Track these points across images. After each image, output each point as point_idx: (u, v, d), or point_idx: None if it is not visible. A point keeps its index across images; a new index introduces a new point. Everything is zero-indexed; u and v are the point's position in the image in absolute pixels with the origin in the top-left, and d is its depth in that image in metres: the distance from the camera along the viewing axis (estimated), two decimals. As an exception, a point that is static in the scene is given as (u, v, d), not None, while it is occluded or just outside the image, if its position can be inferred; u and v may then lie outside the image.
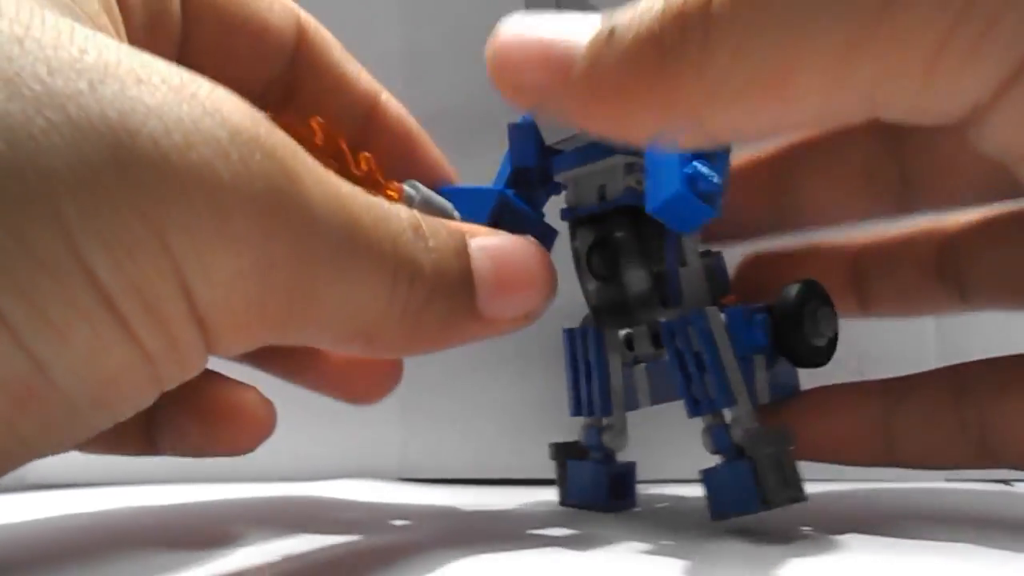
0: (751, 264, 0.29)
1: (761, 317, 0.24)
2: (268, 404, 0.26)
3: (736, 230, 0.28)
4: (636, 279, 0.25)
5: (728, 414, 0.24)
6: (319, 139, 0.21)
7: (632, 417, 0.27)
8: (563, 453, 0.28)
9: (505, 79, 0.20)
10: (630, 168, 0.24)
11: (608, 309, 0.25)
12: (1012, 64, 0.16)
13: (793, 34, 0.17)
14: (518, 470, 0.33)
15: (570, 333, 0.27)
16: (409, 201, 0.23)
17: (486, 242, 0.21)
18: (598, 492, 0.27)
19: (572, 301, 0.26)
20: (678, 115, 0.18)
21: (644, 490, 0.29)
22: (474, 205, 0.24)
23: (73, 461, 0.33)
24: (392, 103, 0.28)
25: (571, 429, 0.32)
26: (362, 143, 0.25)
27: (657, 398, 0.28)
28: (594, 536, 0.23)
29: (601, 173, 0.25)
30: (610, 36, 0.18)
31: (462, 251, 0.21)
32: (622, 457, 0.27)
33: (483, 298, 0.21)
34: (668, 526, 0.24)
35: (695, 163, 0.21)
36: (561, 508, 0.28)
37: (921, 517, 0.25)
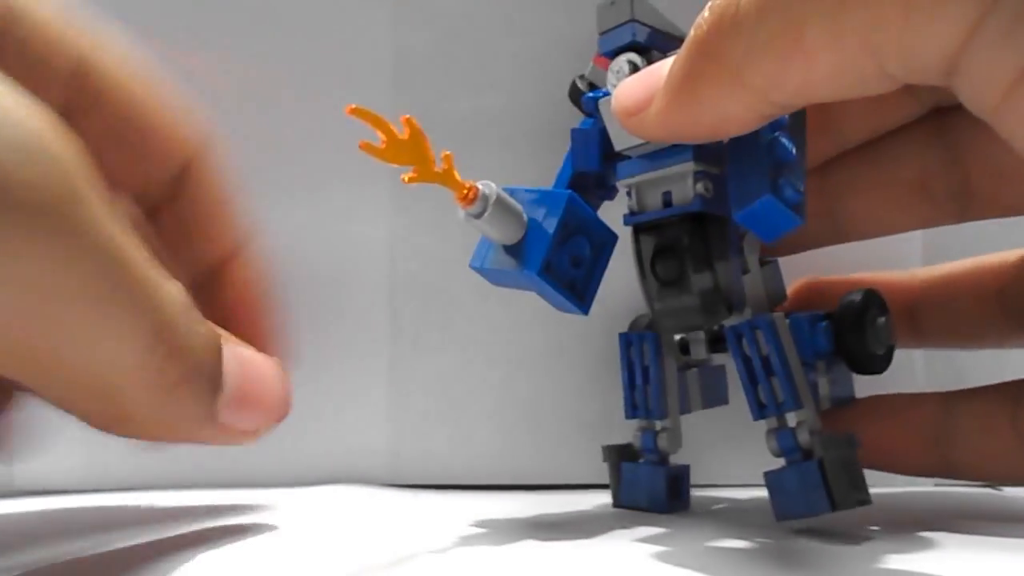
0: (804, 289, 0.30)
1: (824, 324, 0.25)
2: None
3: (790, 241, 0.28)
4: (701, 285, 0.25)
5: (792, 418, 0.24)
6: (406, 134, 0.22)
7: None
8: (616, 455, 0.29)
9: (619, 111, 0.23)
10: (698, 176, 0.25)
11: (670, 314, 0.26)
12: (976, 9, 0.18)
13: None
14: (509, 475, 0.33)
15: (627, 337, 0.28)
16: (485, 200, 0.23)
17: (240, 351, 0.22)
18: (655, 494, 0.28)
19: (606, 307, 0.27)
20: (728, 79, 0.20)
21: (694, 494, 0.29)
22: (544, 207, 0.25)
23: (61, 467, 0.33)
24: (253, 264, 0.28)
25: (564, 433, 0.32)
26: (209, 293, 0.26)
27: (708, 402, 0.29)
28: (651, 536, 0.24)
29: (667, 179, 0.25)
30: (679, 52, 0.22)
31: (217, 352, 0.22)
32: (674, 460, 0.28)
33: (223, 404, 0.22)
34: (730, 527, 0.25)
35: (780, 176, 0.23)
36: (581, 514, 0.28)
37: (976, 518, 0.26)
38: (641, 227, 0.26)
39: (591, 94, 0.27)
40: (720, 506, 0.29)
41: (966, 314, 0.29)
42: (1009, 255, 0.28)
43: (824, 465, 0.23)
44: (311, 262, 0.33)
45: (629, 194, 0.26)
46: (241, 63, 0.33)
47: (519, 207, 0.24)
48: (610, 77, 0.26)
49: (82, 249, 0.17)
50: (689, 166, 0.25)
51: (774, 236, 0.24)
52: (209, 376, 0.21)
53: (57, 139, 0.17)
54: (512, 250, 0.25)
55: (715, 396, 0.30)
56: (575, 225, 0.25)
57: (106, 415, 0.20)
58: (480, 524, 0.27)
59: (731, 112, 0.21)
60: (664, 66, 0.22)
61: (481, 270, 0.26)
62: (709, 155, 0.25)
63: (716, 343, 0.28)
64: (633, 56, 0.26)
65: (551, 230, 0.24)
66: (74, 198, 0.17)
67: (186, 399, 0.21)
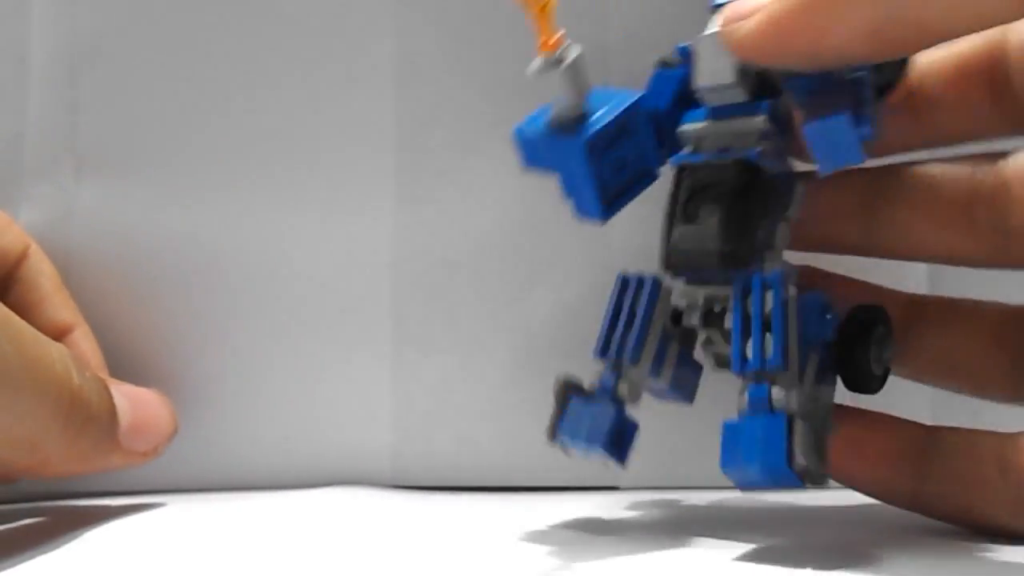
0: (805, 276, 0.28)
1: (831, 316, 0.24)
2: None
3: (821, 239, 0.28)
4: (728, 227, 0.24)
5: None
6: None
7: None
8: (568, 388, 0.26)
9: (727, 17, 0.23)
10: (765, 134, 0.24)
11: (685, 246, 0.25)
12: None
13: None
14: (514, 478, 0.33)
15: (624, 279, 0.26)
16: (565, 52, 0.23)
17: (123, 388, 0.28)
18: (596, 433, 0.25)
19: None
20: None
21: (664, 496, 0.29)
22: (612, 99, 0.24)
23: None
24: (85, 342, 0.32)
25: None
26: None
27: (674, 387, 0.27)
28: (604, 547, 0.23)
29: (732, 135, 0.25)
30: None
31: (107, 392, 0.26)
32: None
33: (124, 432, 0.27)
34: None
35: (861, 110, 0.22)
36: (578, 517, 0.28)
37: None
38: (682, 170, 0.25)
39: (683, 45, 0.26)
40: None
41: (957, 346, 0.27)
42: (1013, 304, 0.27)
43: (792, 423, 0.21)
44: (314, 262, 0.33)
45: (686, 142, 0.25)
46: (244, 63, 0.33)
47: (588, 85, 0.23)
48: (712, 22, 0.24)
49: None
50: (760, 120, 0.24)
51: (833, 164, 0.22)
52: (107, 412, 0.26)
53: None
54: (564, 124, 0.24)
55: (683, 388, 0.27)
56: (632, 128, 0.24)
57: (30, 463, 0.25)
58: (484, 527, 0.27)
59: (847, 25, 0.21)
60: None
61: (521, 137, 0.25)
62: (781, 120, 0.24)
63: (710, 317, 0.26)
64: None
65: (612, 115, 0.24)
66: None
67: (93, 436, 0.26)
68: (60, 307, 0.32)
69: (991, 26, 0.21)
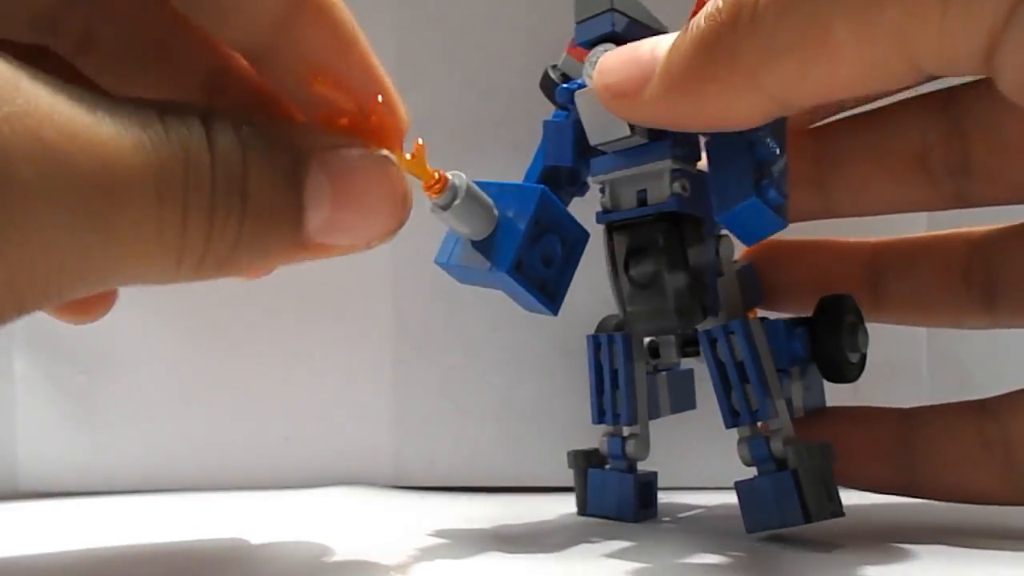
0: (766, 250, 0.29)
1: (801, 330, 0.25)
2: None
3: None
4: (676, 287, 0.24)
5: (765, 426, 0.24)
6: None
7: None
8: (583, 461, 0.28)
9: (607, 92, 0.22)
10: (675, 174, 0.24)
11: (643, 316, 0.25)
12: None
13: None
14: (514, 478, 0.33)
15: (595, 339, 0.27)
16: (454, 191, 0.22)
17: (330, 161, 0.19)
18: (624, 502, 0.27)
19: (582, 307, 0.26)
20: (740, 81, 0.20)
21: (662, 498, 0.28)
22: (515, 202, 0.23)
23: (65, 470, 0.33)
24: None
25: (568, 435, 0.31)
26: (283, 30, 0.20)
27: (676, 407, 0.28)
28: (623, 548, 0.23)
29: (643, 177, 0.24)
30: (684, 32, 0.20)
31: (291, 172, 0.18)
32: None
33: (315, 227, 0.19)
34: (700, 538, 0.24)
35: (763, 178, 0.22)
36: (577, 518, 0.28)
37: (946, 530, 0.25)
38: (615, 225, 0.25)
39: (565, 85, 0.26)
40: (688, 513, 0.29)
41: (928, 285, 0.27)
42: (976, 230, 0.27)
43: (799, 476, 0.22)
44: (316, 264, 0.33)
45: (603, 191, 0.25)
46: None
47: (489, 201, 0.23)
48: (587, 68, 0.24)
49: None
50: (666, 164, 0.24)
51: (756, 239, 0.23)
52: (290, 208, 0.18)
53: None
54: (480, 246, 0.24)
55: (683, 401, 0.29)
56: (547, 222, 0.24)
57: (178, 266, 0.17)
58: (484, 527, 0.27)
59: (738, 110, 0.20)
60: (657, 46, 0.21)
61: (447, 266, 0.25)
62: (687, 153, 0.24)
63: (688, 346, 0.27)
64: (611, 47, 0.24)
65: (522, 227, 0.23)
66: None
67: (259, 243, 0.18)
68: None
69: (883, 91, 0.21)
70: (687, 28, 0.20)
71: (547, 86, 0.26)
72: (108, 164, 0.16)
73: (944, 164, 0.26)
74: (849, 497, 0.23)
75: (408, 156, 0.21)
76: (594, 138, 0.24)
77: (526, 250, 0.23)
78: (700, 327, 0.25)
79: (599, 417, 0.27)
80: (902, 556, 0.22)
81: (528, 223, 0.23)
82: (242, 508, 0.30)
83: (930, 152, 0.26)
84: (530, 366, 0.33)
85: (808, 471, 0.22)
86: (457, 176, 0.22)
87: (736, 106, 0.20)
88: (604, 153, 0.25)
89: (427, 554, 0.23)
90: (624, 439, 0.27)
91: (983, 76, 0.19)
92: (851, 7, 0.18)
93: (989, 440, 0.24)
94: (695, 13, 0.22)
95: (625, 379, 0.26)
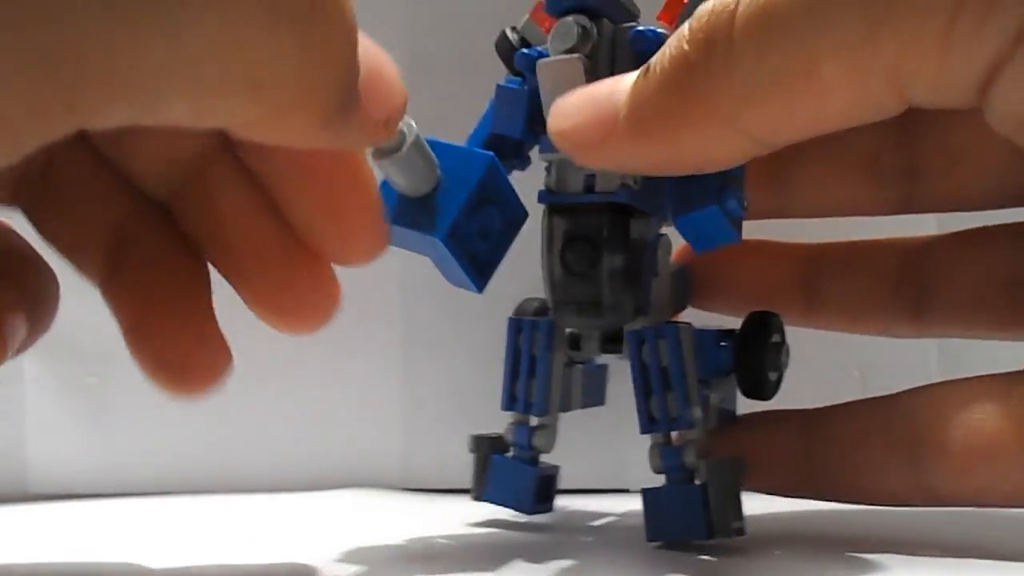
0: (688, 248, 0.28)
1: (727, 343, 0.24)
2: None
3: None
4: (613, 281, 0.23)
5: (680, 435, 0.23)
6: None
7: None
8: (487, 447, 0.27)
9: (565, 141, 0.20)
10: None
11: (573, 307, 0.24)
12: (1014, 30, 0.17)
13: (814, 25, 0.17)
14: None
15: (517, 323, 0.26)
16: (402, 137, 0.20)
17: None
18: (522, 494, 0.26)
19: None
20: (718, 125, 0.19)
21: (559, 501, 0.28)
22: (461, 165, 0.22)
23: (75, 472, 0.33)
24: None
25: (576, 436, 0.31)
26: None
27: (587, 402, 0.27)
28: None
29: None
30: (646, 73, 0.19)
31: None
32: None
33: (363, 82, 0.17)
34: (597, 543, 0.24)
35: (726, 188, 0.21)
36: (586, 523, 0.27)
37: (844, 534, 0.25)
38: (557, 208, 0.24)
39: (526, 51, 0.24)
40: (586, 516, 0.28)
41: (860, 291, 0.27)
42: (912, 237, 0.27)
43: (707, 491, 0.22)
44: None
45: (548, 170, 0.24)
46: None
47: (434, 158, 0.21)
48: (553, 39, 0.23)
49: None
50: None
51: (707, 247, 0.23)
52: (351, 42, 0.16)
53: None
54: (417, 206, 0.22)
55: (594, 396, 0.28)
56: (490, 193, 0.22)
57: (259, 112, 0.16)
58: (493, 529, 0.27)
59: (716, 154, 0.20)
60: (615, 88, 0.20)
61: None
62: None
63: (610, 343, 0.26)
64: (583, 19, 0.22)
65: (465, 193, 0.21)
66: None
67: (335, 73, 0.16)
68: None
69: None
70: (647, 69, 0.19)
71: (505, 49, 0.25)
72: None
73: (893, 168, 0.26)
74: (755, 503, 0.23)
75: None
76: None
77: (465, 218, 0.21)
78: (627, 326, 0.24)
79: (509, 404, 0.26)
80: (799, 561, 0.21)
81: (472, 190, 0.21)
82: (251, 510, 0.30)
83: (881, 155, 0.26)
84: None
85: (717, 487, 0.22)
86: (407, 123, 0.20)
87: (714, 150, 0.19)
88: None
89: (437, 557, 0.23)
90: (532, 429, 0.26)
91: (971, 107, 0.18)
92: (842, 45, 0.17)
93: (894, 440, 0.23)
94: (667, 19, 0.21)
95: (543, 368, 0.25)
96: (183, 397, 0.20)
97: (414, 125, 0.20)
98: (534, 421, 0.26)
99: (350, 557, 0.23)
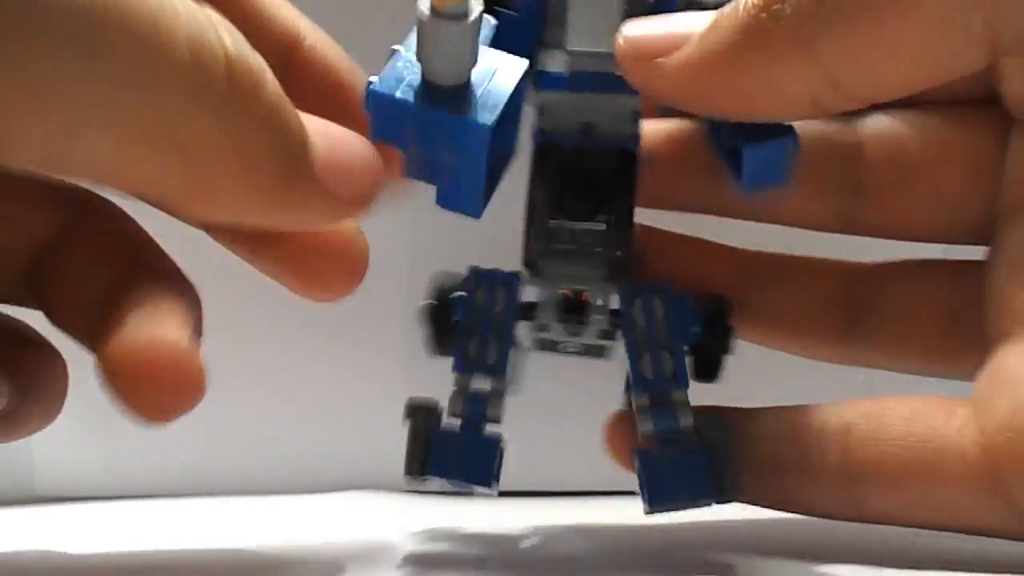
0: (642, 236, 0.27)
1: (696, 314, 0.23)
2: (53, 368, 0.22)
3: (671, 199, 0.26)
4: (615, 230, 0.22)
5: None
6: None
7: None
8: (426, 415, 0.23)
9: (631, 47, 0.20)
10: (635, 115, 0.22)
11: (564, 257, 0.22)
12: None
13: None
14: (527, 482, 0.33)
15: (479, 276, 0.23)
16: (468, 4, 0.18)
17: (313, 117, 0.19)
18: (483, 467, 0.22)
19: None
20: (795, 49, 0.18)
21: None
22: (496, 62, 0.19)
23: (80, 474, 0.33)
24: (318, 48, 0.23)
25: (584, 437, 0.31)
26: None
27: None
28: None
29: (595, 109, 0.22)
30: (732, 7, 0.19)
31: (293, 108, 0.18)
32: None
33: (319, 162, 0.18)
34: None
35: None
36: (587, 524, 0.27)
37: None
38: (551, 150, 0.22)
39: None
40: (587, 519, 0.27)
41: (790, 309, 0.26)
42: (851, 261, 0.26)
43: (712, 450, 0.21)
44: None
45: (541, 111, 0.22)
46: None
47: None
48: None
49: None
50: (636, 101, 0.22)
51: (758, 185, 0.21)
52: (297, 127, 0.18)
53: None
54: (447, 93, 0.19)
55: (515, 379, 0.25)
56: (512, 106, 0.19)
57: (188, 177, 0.16)
58: (499, 532, 0.26)
59: (781, 89, 0.19)
60: (702, 16, 0.19)
61: (392, 100, 0.19)
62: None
63: (570, 312, 0.23)
64: None
65: (508, 89, 0.19)
66: None
67: (272, 142, 0.17)
68: (275, 14, 0.22)
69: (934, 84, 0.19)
70: (735, 4, 0.19)
71: None
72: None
73: (839, 179, 0.25)
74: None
75: None
76: (576, 41, 0.21)
77: (500, 118, 0.19)
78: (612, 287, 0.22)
79: (463, 365, 0.22)
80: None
81: (513, 89, 0.19)
82: (254, 512, 0.30)
83: (828, 166, 0.25)
84: (544, 369, 0.33)
85: (721, 445, 0.21)
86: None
87: (782, 83, 0.19)
88: (557, 73, 0.22)
89: (439, 559, 0.23)
90: (488, 396, 0.22)
91: None
92: None
93: (827, 447, 0.22)
94: None
95: (508, 327, 0.22)
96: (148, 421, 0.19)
97: (480, 2, 0.18)
98: (484, 387, 0.23)
99: (352, 559, 0.23)
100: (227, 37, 0.16)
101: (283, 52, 0.22)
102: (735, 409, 0.24)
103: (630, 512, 0.29)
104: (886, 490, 0.21)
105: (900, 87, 0.19)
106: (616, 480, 0.32)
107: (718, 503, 0.21)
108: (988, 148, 0.23)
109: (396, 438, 0.34)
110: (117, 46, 0.15)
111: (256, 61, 0.17)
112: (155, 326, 0.19)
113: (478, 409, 0.22)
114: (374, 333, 0.33)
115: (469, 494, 0.22)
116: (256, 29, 0.21)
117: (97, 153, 0.15)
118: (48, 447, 0.33)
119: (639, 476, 0.21)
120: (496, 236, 0.23)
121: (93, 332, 0.20)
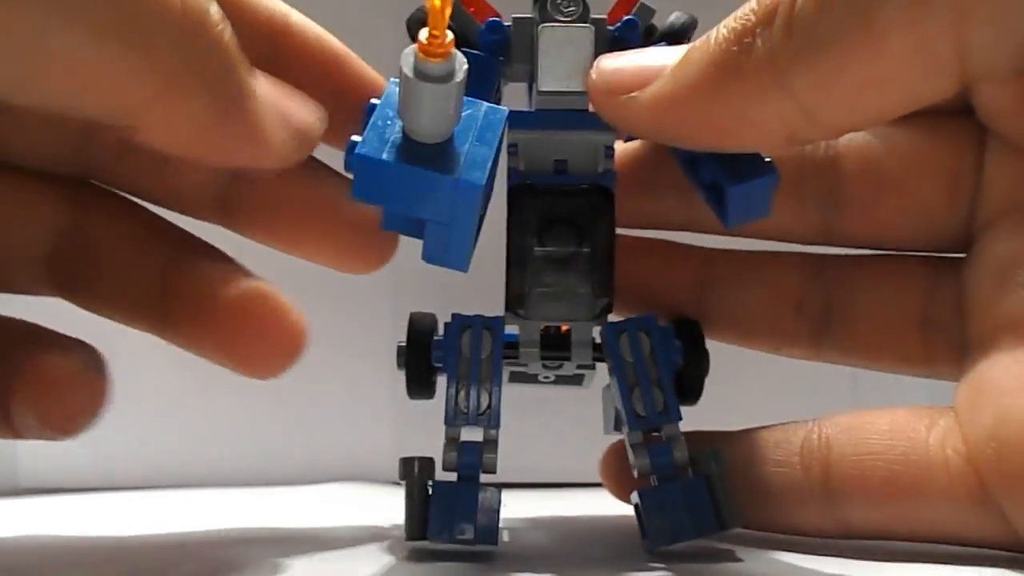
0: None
1: (678, 343, 0.23)
2: (96, 371, 0.22)
3: (646, 216, 0.26)
4: (598, 268, 0.22)
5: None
6: None
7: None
8: (426, 473, 0.22)
9: (604, 82, 0.20)
10: (609, 151, 0.22)
11: (550, 298, 0.22)
12: None
13: None
14: (512, 474, 0.33)
15: (463, 321, 0.22)
16: (454, 67, 0.17)
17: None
18: (489, 523, 0.21)
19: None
20: (767, 78, 0.18)
21: None
22: (478, 116, 0.19)
23: (65, 466, 0.33)
24: (307, 25, 0.23)
25: (568, 431, 0.31)
26: (273, 71, 0.21)
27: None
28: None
29: (569, 145, 0.22)
30: (703, 40, 0.19)
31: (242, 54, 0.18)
32: None
33: (259, 105, 0.19)
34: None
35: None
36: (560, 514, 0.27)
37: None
38: (527, 191, 0.22)
39: (494, 20, 0.22)
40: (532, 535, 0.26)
41: (756, 307, 0.25)
42: (817, 252, 0.25)
43: (711, 481, 0.21)
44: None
45: (514, 150, 0.22)
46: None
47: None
48: (550, 9, 0.22)
49: None
50: (609, 137, 0.22)
51: (741, 221, 0.21)
52: (237, 54, 0.18)
53: None
54: (432, 151, 0.18)
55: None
56: (497, 154, 0.19)
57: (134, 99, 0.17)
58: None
59: (755, 120, 0.19)
60: (674, 51, 0.19)
61: (378, 163, 0.18)
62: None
63: (551, 348, 0.23)
64: None
65: (493, 144, 0.19)
66: None
67: (217, 77, 0.18)
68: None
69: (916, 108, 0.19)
70: (707, 37, 0.19)
71: (464, 23, 0.23)
72: None
73: (815, 194, 0.25)
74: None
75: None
76: (548, 82, 0.21)
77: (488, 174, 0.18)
78: (600, 320, 0.22)
79: (454, 417, 0.22)
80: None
81: (497, 144, 0.19)
82: (241, 504, 0.30)
83: (804, 181, 0.24)
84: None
85: (718, 477, 0.21)
86: (459, 54, 0.18)
87: (756, 115, 0.19)
88: (524, 111, 0.22)
89: (425, 551, 0.23)
90: (482, 447, 0.22)
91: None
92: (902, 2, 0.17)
93: (811, 462, 0.22)
94: None
95: (497, 374, 0.22)
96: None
97: (465, 60, 0.18)
98: (476, 436, 0.22)
99: (339, 551, 0.23)
100: None
101: (272, 36, 0.22)
102: (719, 433, 0.24)
103: (606, 505, 0.29)
104: (869, 505, 0.21)
105: (873, 116, 0.19)
106: (593, 473, 0.32)
107: (722, 531, 0.21)
108: (964, 158, 0.23)
109: (382, 433, 0.35)
110: None
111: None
112: (250, 281, 0.20)
113: (474, 460, 0.22)
114: (362, 329, 0.33)
115: (472, 551, 0.21)
116: (243, 16, 0.21)
117: (73, 51, 0.16)
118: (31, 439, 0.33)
119: (639, 514, 0.21)
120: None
121: (149, 310, 0.22)
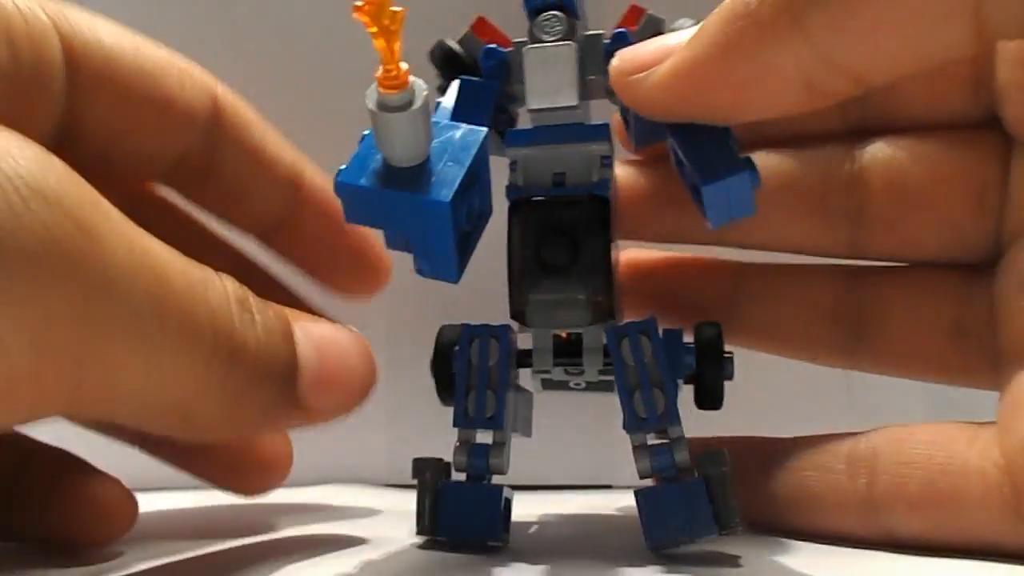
0: (625, 264, 0.28)
1: (690, 346, 0.23)
2: (130, 498, 0.25)
3: (672, 231, 0.26)
4: (594, 276, 0.22)
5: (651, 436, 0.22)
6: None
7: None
8: (437, 473, 0.23)
9: (625, 65, 0.20)
10: (605, 161, 0.23)
11: (549, 307, 0.23)
12: None
13: None
14: (509, 476, 0.33)
15: (471, 331, 0.24)
16: (412, 97, 0.19)
17: (312, 328, 0.20)
18: (491, 519, 0.22)
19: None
20: (783, 25, 0.18)
21: None
22: (451, 135, 0.20)
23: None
24: (318, 178, 0.26)
25: (560, 432, 0.31)
26: (287, 220, 0.25)
27: (516, 427, 0.25)
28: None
29: (567, 158, 0.23)
30: (717, 9, 0.19)
31: (288, 334, 0.20)
32: None
33: (305, 388, 0.20)
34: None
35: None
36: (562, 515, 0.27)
37: None
38: (525, 204, 0.23)
39: (490, 47, 0.24)
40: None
41: (789, 318, 0.26)
42: (851, 264, 0.26)
43: (710, 483, 0.21)
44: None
45: (514, 167, 0.23)
46: (245, 61, 0.33)
47: (431, 138, 0.20)
48: (536, 30, 0.23)
49: (99, 281, 0.16)
50: (604, 147, 0.23)
51: (726, 220, 0.21)
52: (283, 366, 0.19)
53: (48, 173, 0.15)
54: (408, 174, 0.20)
55: (524, 425, 0.25)
56: (478, 171, 0.20)
57: (186, 427, 0.19)
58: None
59: (775, 69, 0.19)
60: (689, 31, 0.20)
61: (356, 188, 0.20)
62: (612, 149, 0.23)
63: (564, 355, 0.24)
64: (559, 15, 0.23)
65: (466, 162, 0.20)
66: (83, 229, 0.15)
67: (262, 395, 0.19)
68: (281, 154, 0.25)
69: (937, 66, 0.19)
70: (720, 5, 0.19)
71: (442, 56, 0.24)
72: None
73: (842, 206, 0.25)
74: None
75: (385, 29, 0.18)
76: (535, 100, 0.23)
77: (461, 189, 0.20)
78: (604, 326, 0.23)
79: (463, 420, 0.23)
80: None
81: (471, 161, 0.20)
82: (236, 506, 0.30)
83: (831, 191, 0.25)
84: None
85: (718, 479, 0.21)
86: (418, 82, 0.19)
87: (773, 62, 0.19)
88: (520, 128, 0.24)
89: (420, 552, 0.23)
90: (489, 449, 0.23)
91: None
92: None
93: (857, 470, 0.23)
94: None
95: (504, 380, 0.23)
96: None
97: (425, 86, 0.19)
98: (485, 439, 0.23)
99: (333, 552, 0.23)
100: (237, 322, 0.18)
101: (289, 187, 0.25)
102: (765, 439, 0.25)
103: (601, 506, 0.29)
104: (909, 513, 0.22)
105: (891, 64, 0.19)
106: (587, 476, 0.33)
107: (719, 534, 0.21)
108: (990, 171, 0.23)
109: (375, 434, 0.35)
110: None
111: (260, 339, 0.19)
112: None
113: (482, 462, 0.23)
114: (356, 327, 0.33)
115: (482, 547, 0.23)
116: (263, 169, 0.25)
117: (125, 409, 0.17)
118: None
119: (640, 514, 0.22)
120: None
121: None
